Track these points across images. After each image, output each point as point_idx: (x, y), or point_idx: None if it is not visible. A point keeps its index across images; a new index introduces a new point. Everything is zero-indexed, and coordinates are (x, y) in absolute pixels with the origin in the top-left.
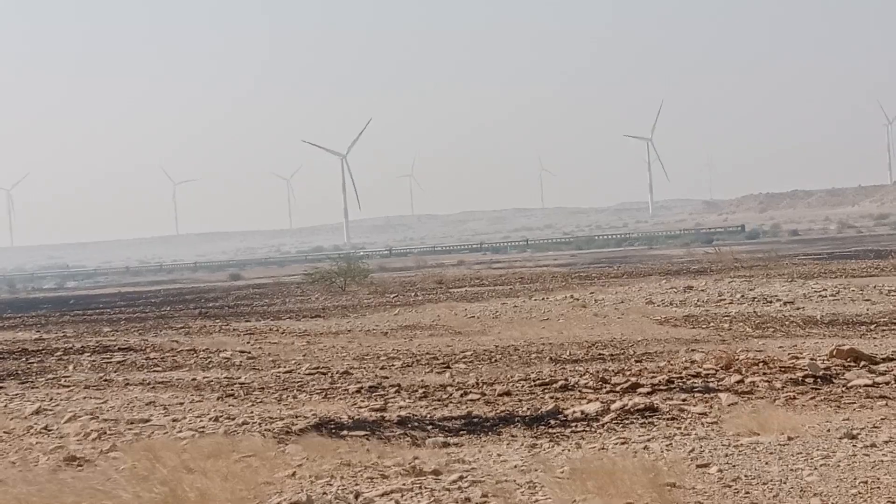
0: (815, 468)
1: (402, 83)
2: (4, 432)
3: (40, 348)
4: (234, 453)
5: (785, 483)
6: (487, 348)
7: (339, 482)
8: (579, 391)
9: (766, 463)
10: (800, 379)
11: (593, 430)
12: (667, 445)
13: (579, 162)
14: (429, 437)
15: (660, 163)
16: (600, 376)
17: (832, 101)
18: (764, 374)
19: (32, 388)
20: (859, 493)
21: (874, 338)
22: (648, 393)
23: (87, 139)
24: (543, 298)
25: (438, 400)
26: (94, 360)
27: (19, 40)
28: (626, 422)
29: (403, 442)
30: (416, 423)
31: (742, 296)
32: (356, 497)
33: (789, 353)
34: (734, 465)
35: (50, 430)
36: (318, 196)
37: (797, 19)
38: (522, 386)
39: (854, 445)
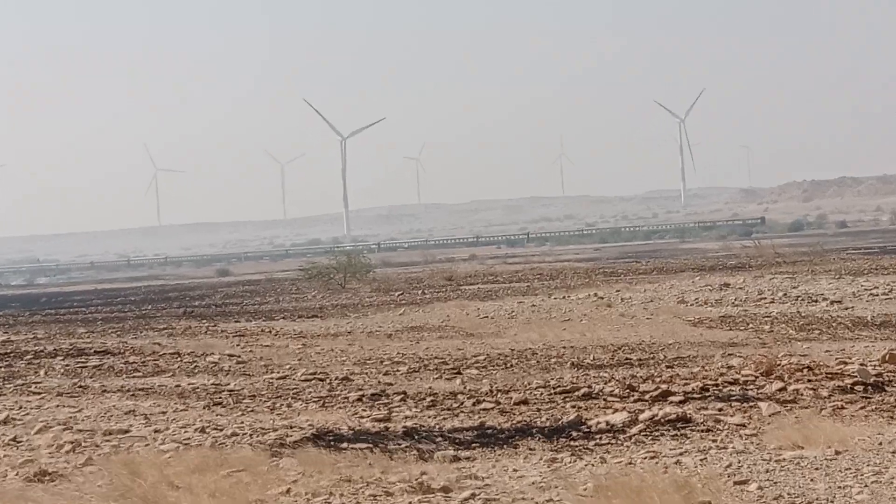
0: (866, 485)
1: (413, 65)
2: None
3: (8, 351)
4: (222, 468)
5: (832, 502)
6: (502, 352)
7: (338, 500)
8: (604, 400)
9: (812, 480)
10: (848, 387)
11: (619, 442)
12: (701, 460)
13: (603, 146)
14: (437, 450)
15: (689, 149)
16: (627, 383)
17: (883, 80)
18: (809, 381)
19: (0, 395)
20: None
21: None
22: (681, 402)
23: (62, 120)
24: (564, 297)
25: (448, 409)
26: (67, 365)
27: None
28: (656, 434)
29: (409, 456)
30: (423, 435)
31: (784, 294)
32: None
33: (837, 358)
34: (776, 483)
35: (19, 442)
36: (316, 183)
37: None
38: (541, 394)
39: None
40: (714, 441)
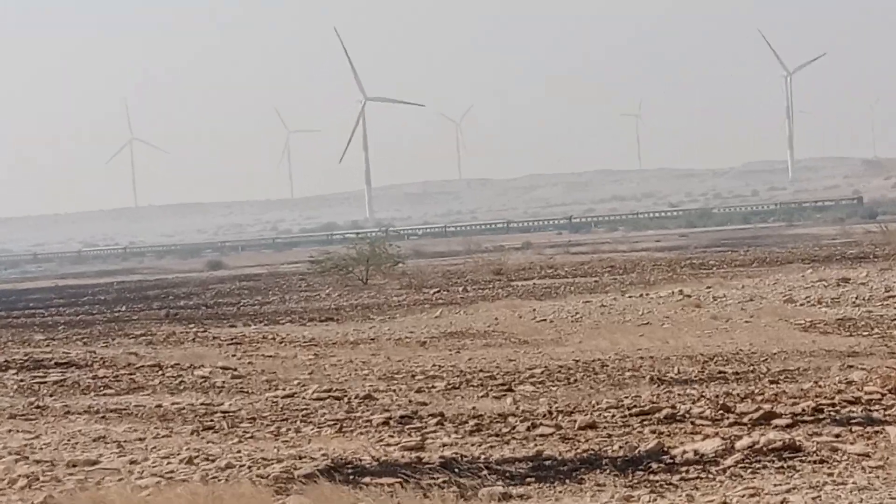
0: None
1: (457, 7)
2: None
3: None
4: None
5: None
6: (564, 364)
7: None
8: (692, 423)
9: None
10: None
11: (711, 476)
12: (814, 498)
13: (690, 108)
14: (483, 485)
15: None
16: (721, 403)
17: None
18: None
19: None
20: None
21: None
22: (788, 426)
23: (16, 77)
24: (642, 295)
25: (496, 435)
26: (21, 380)
27: None
28: (757, 466)
29: (448, 493)
30: (465, 467)
31: None
32: None
33: None
34: None
35: None
36: (330, 154)
37: None
38: (612, 416)
39: None
40: (830, 475)
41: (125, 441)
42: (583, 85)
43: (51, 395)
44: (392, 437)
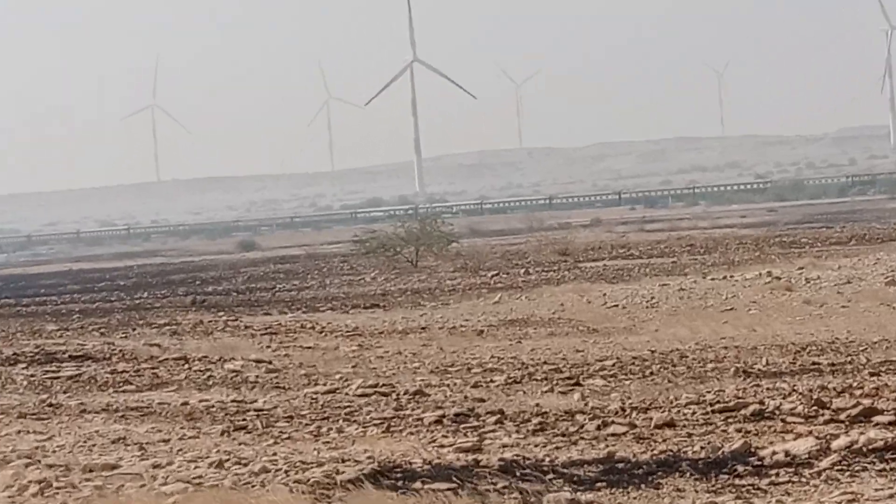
0: None
1: None
2: None
3: None
4: None
5: None
6: (639, 354)
7: None
8: (782, 421)
9: None
10: None
11: (804, 480)
12: None
13: (779, 67)
14: (548, 491)
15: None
16: (815, 398)
17: None
18: None
19: None
20: None
21: None
22: (891, 423)
23: (22, 39)
24: (725, 277)
25: (563, 435)
26: (32, 375)
27: None
28: (856, 468)
29: (509, 499)
30: (528, 471)
31: None
32: None
33: None
34: None
35: None
36: (376, 122)
37: None
38: (693, 413)
39: None
40: None
41: (147, 443)
42: (660, 41)
43: (65, 392)
44: (446, 437)
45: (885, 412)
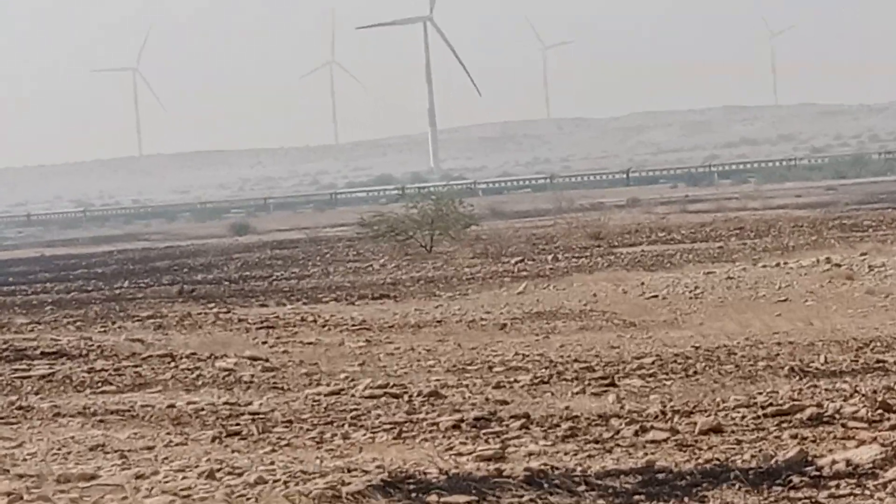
0: None
1: None
2: None
3: None
4: None
5: None
6: (681, 351)
7: None
8: (842, 426)
9: None
10: None
11: (868, 493)
12: None
13: (838, 29)
14: None
15: None
16: (880, 400)
17: None
18: None
19: None
20: None
21: None
22: None
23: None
24: (779, 264)
25: (596, 441)
26: (0, 374)
27: None
28: None
29: None
30: (557, 482)
31: None
32: None
33: None
34: None
35: None
36: (385, 90)
37: None
38: (742, 417)
39: None
40: None
41: (129, 450)
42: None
43: (36, 393)
44: (464, 444)
45: None
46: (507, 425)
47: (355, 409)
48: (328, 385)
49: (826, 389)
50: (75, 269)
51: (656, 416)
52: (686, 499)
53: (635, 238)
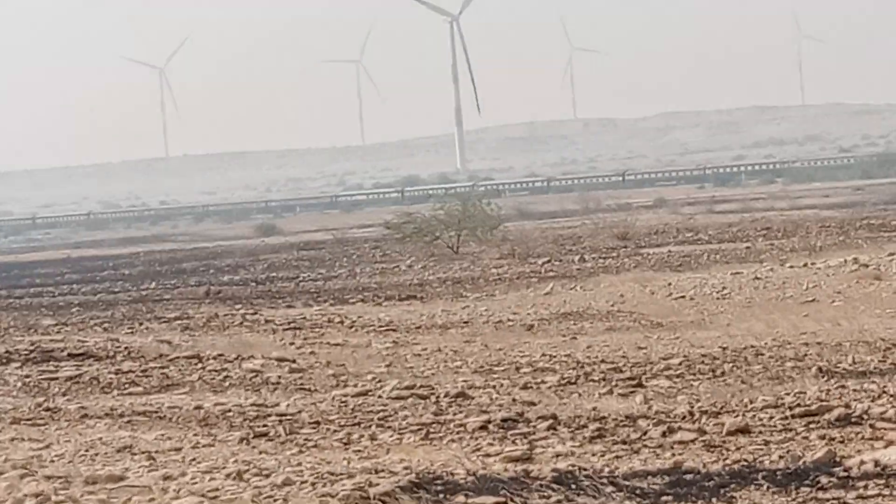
0: None
1: None
2: None
3: None
4: None
5: None
6: (708, 352)
7: None
8: (871, 426)
9: None
10: None
11: None
12: None
13: (866, 28)
14: None
15: None
16: None
17: None
18: None
19: None
20: None
21: None
22: None
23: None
24: (806, 265)
25: (623, 442)
26: (27, 376)
27: None
28: None
29: None
30: (584, 483)
31: None
32: None
33: None
34: None
35: None
36: (411, 90)
37: None
38: (770, 417)
39: None
40: None
41: (157, 451)
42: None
43: (63, 395)
44: (492, 445)
45: None
46: (534, 426)
47: (382, 410)
48: (355, 386)
49: (854, 390)
50: (102, 270)
51: (684, 417)
52: (714, 500)
53: (662, 238)
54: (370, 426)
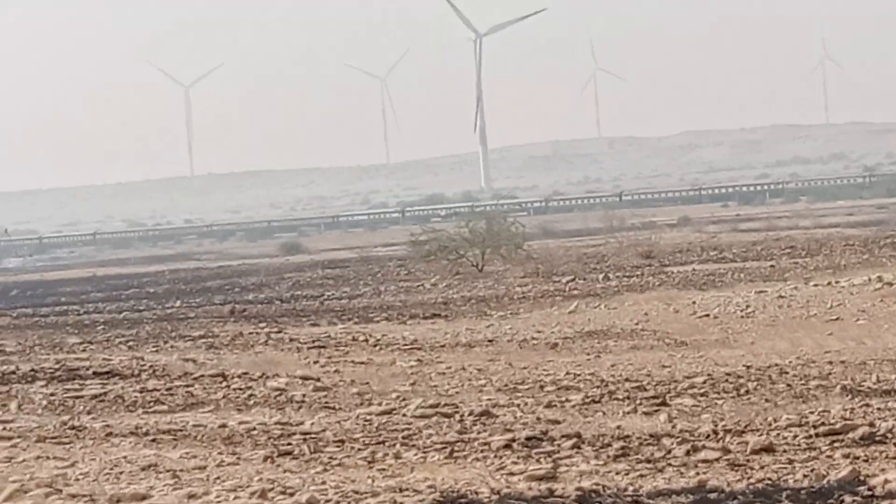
0: None
1: None
2: None
3: None
4: None
5: None
6: (732, 370)
7: None
8: (895, 445)
9: None
10: None
11: None
12: None
13: (890, 46)
14: None
15: None
16: None
17: None
18: None
19: None
20: None
21: None
22: None
23: (44, 28)
24: (830, 283)
25: (648, 461)
26: (52, 394)
27: None
28: None
29: None
30: (608, 502)
31: None
32: None
33: None
34: None
35: None
36: (435, 109)
37: None
38: (794, 436)
39: None
40: None
41: (181, 470)
42: (756, 17)
43: (88, 413)
44: (516, 463)
45: None
46: (558, 445)
47: (407, 429)
48: (379, 405)
49: (878, 408)
50: (127, 288)
51: (708, 436)
52: None
53: (686, 257)
54: (394, 445)
